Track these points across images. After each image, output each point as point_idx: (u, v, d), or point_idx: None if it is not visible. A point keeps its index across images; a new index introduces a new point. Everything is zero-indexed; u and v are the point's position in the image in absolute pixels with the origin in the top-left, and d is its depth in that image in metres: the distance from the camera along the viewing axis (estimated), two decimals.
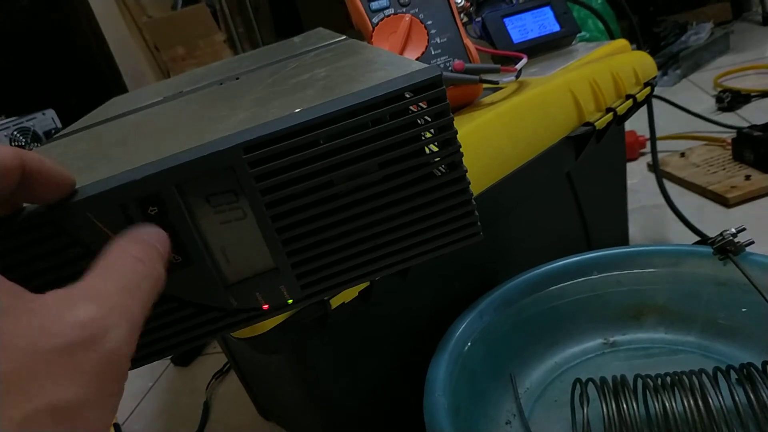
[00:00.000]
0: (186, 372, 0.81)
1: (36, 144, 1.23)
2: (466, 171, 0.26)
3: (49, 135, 1.25)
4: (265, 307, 0.27)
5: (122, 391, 0.18)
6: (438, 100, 0.25)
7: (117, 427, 0.70)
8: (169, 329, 0.26)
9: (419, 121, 0.26)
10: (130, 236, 0.22)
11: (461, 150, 0.26)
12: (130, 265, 0.20)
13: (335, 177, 0.25)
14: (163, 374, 0.81)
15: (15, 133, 1.18)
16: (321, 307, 0.36)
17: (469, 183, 0.27)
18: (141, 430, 0.71)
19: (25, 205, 0.23)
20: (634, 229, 0.78)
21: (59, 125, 1.30)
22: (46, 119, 1.27)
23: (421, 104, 0.26)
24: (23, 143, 1.20)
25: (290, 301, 0.27)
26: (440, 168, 0.27)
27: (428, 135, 0.26)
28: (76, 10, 2.16)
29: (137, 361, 0.26)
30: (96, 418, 0.17)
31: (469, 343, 0.46)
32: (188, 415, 0.70)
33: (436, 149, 0.26)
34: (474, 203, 0.27)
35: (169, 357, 0.83)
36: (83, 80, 2.14)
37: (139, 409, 0.75)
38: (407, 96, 0.25)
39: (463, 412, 0.43)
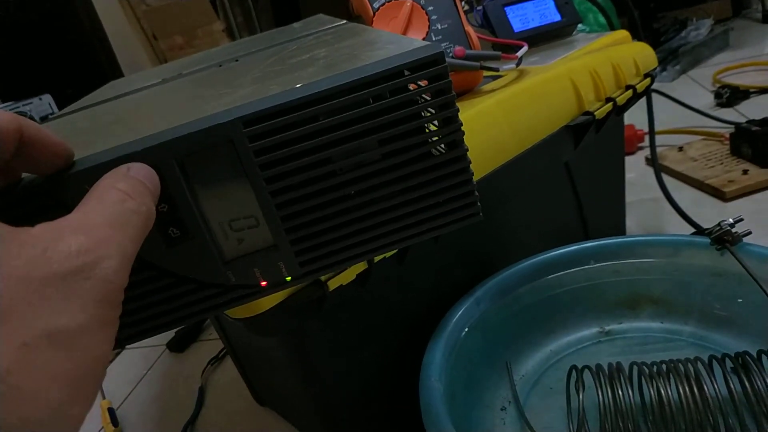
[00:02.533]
0: (181, 358, 0.81)
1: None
2: (467, 150, 0.26)
3: (46, 120, 1.25)
4: (264, 283, 0.26)
5: (117, 322, 0.18)
6: (440, 77, 0.25)
7: (111, 412, 0.70)
8: (167, 305, 0.26)
9: (420, 99, 0.26)
10: (118, 173, 0.22)
11: (462, 129, 0.26)
12: (119, 200, 0.20)
13: (334, 153, 0.25)
14: (158, 360, 0.81)
15: None
16: (318, 288, 0.36)
17: (470, 162, 0.27)
18: (136, 415, 0.71)
19: (23, 175, 0.23)
20: (632, 222, 0.78)
21: (56, 111, 1.29)
22: (42, 104, 1.26)
23: (421, 83, 0.25)
24: None
25: (288, 278, 0.27)
26: (440, 147, 0.26)
27: (429, 113, 0.26)
28: None
29: (135, 336, 0.26)
30: (93, 344, 0.17)
31: (466, 330, 0.46)
32: (183, 401, 0.70)
33: (436, 128, 0.26)
34: (474, 183, 0.27)
35: (164, 343, 0.83)
36: (81, 68, 2.12)
37: (134, 395, 0.75)
38: (408, 73, 0.25)
39: (458, 398, 0.43)
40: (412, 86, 0.25)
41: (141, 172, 0.22)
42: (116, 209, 0.20)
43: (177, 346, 0.82)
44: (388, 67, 0.24)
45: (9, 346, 0.15)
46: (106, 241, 0.18)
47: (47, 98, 1.27)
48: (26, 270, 0.16)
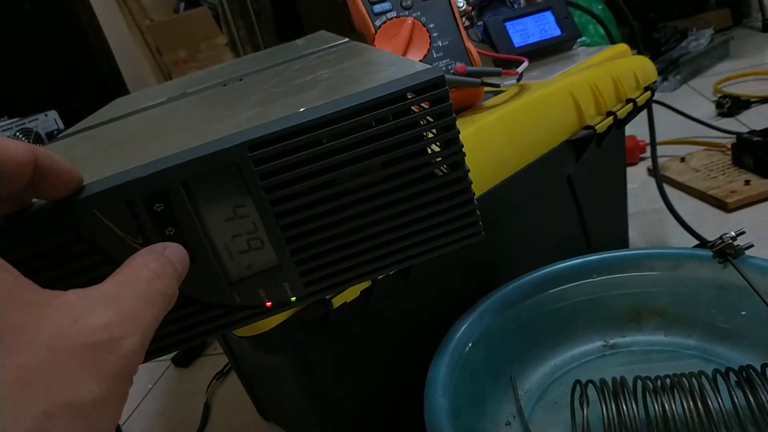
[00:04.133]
0: (186, 373, 0.81)
1: (38, 145, 1.23)
2: (468, 171, 0.27)
3: (51, 136, 1.26)
4: (269, 304, 0.27)
5: (127, 396, 0.19)
6: (441, 100, 0.25)
7: (117, 427, 0.70)
8: (173, 326, 0.26)
9: (422, 121, 0.26)
10: (154, 251, 0.23)
11: (463, 150, 0.26)
12: (149, 280, 0.21)
13: (338, 176, 0.25)
14: (164, 375, 0.81)
15: (17, 134, 1.19)
16: (323, 306, 0.37)
17: (471, 183, 0.27)
18: (141, 431, 0.71)
19: (34, 200, 0.23)
20: (634, 233, 0.78)
21: (61, 126, 1.31)
22: (48, 120, 1.27)
23: (423, 105, 0.26)
24: None
25: (293, 298, 0.27)
26: (442, 168, 0.27)
27: (431, 135, 0.26)
28: (78, 13, 2.16)
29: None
30: (106, 418, 0.17)
31: (470, 345, 0.46)
32: (189, 416, 0.70)
33: (438, 149, 0.27)
34: (476, 203, 0.28)
35: (169, 358, 0.83)
36: (85, 82, 2.14)
37: (140, 410, 0.75)
38: (410, 96, 0.25)
39: (463, 413, 0.43)
40: (414, 107, 0.26)
41: (176, 253, 0.23)
42: (146, 288, 0.20)
43: (182, 361, 0.82)
44: (390, 91, 0.25)
45: (30, 414, 0.15)
46: (133, 318, 0.19)
47: (53, 114, 1.28)
48: (55, 339, 0.17)
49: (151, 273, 0.21)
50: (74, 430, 0.16)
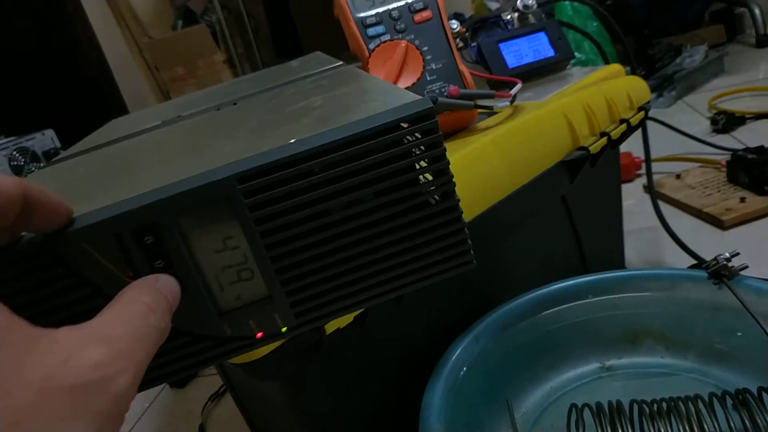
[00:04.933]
0: (182, 394, 0.80)
1: (35, 164, 1.23)
2: (459, 200, 0.27)
3: (48, 155, 1.26)
4: (259, 335, 0.27)
5: None
6: (430, 131, 0.26)
7: None
8: (163, 358, 0.26)
9: (413, 151, 0.26)
10: (145, 284, 0.22)
11: (454, 180, 0.26)
12: (141, 314, 0.21)
13: (329, 206, 0.25)
14: (159, 396, 0.81)
15: (14, 152, 1.19)
16: (316, 332, 0.36)
17: (462, 212, 0.27)
18: None
19: (23, 234, 0.23)
20: (631, 251, 0.78)
21: (58, 145, 1.31)
22: (45, 139, 1.27)
23: (415, 134, 0.26)
24: (22, 163, 1.20)
25: (284, 329, 0.27)
26: (433, 197, 0.27)
27: (422, 165, 0.26)
28: (77, 30, 2.18)
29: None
30: None
31: (465, 368, 0.46)
32: None
33: (430, 178, 0.27)
34: (467, 231, 0.28)
35: None
36: (83, 99, 2.15)
37: (135, 431, 0.74)
38: (402, 126, 0.25)
39: None
40: (406, 137, 0.26)
41: (167, 285, 0.23)
42: (140, 323, 0.20)
43: (178, 381, 0.81)
44: (381, 123, 0.25)
45: None
46: (126, 356, 0.19)
47: (50, 133, 1.28)
48: (46, 381, 0.16)
49: (144, 307, 0.21)
50: None
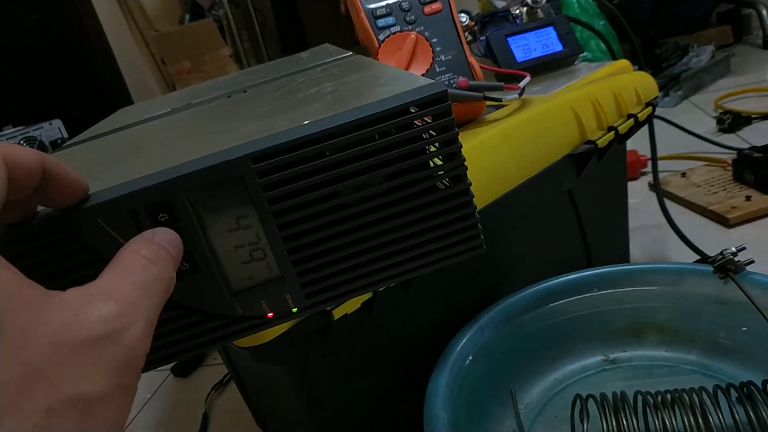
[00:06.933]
0: (185, 383, 0.80)
1: None
2: (470, 184, 0.27)
3: (56, 145, 1.27)
4: (270, 315, 0.27)
5: (136, 389, 0.19)
6: (443, 114, 0.26)
7: None
8: (175, 336, 0.26)
9: (424, 135, 0.26)
10: (144, 239, 0.23)
11: (465, 164, 0.27)
12: (143, 267, 0.21)
13: (341, 188, 0.26)
14: (163, 385, 0.81)
15: (22, 142, 1.20)
16: (324, 317, 0.37)
17: (473, 196, 0.27)
18: None
19: (39, 208, 0.24)
20: (635, 248, 0.78)
21: (66, 135, 1.31)
22: (52, 129, 1.28)
23: (426, 119, 0.26)
24: None
25: (295, 309, 0.27)
26: (445, 181, 0.27)
27: (433, 148, 0.26)
28: (84, 23, 2.18)
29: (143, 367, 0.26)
30: (114, 411, 0.17)
31: (470, 358, 0.46)
32: (187, 426, 0.70)
33: (440, 162, 0.27)
34: (477, 216, 0.28)
35: (169, 368, 0.83)
36: (90, 92, 2.16)
37: (138, 420, 0.75)
38: (413, 110, 0.26)
39: (462, 427, 0.43)
40: (417, 121, 0.26)
41: (165, 237, 0.23)
42: (142, 276, 0.20)
43: (181, 371, 0.82)
44: (394, 105, 0.25)
45: (34, 411, 0.15)
46: (133, 307, 0.19)
47: (57, 123, 1.29)
48: (58, 335, 0.17)
49: (144, 260, 0.21)
50: (80, 425, 0.16)
